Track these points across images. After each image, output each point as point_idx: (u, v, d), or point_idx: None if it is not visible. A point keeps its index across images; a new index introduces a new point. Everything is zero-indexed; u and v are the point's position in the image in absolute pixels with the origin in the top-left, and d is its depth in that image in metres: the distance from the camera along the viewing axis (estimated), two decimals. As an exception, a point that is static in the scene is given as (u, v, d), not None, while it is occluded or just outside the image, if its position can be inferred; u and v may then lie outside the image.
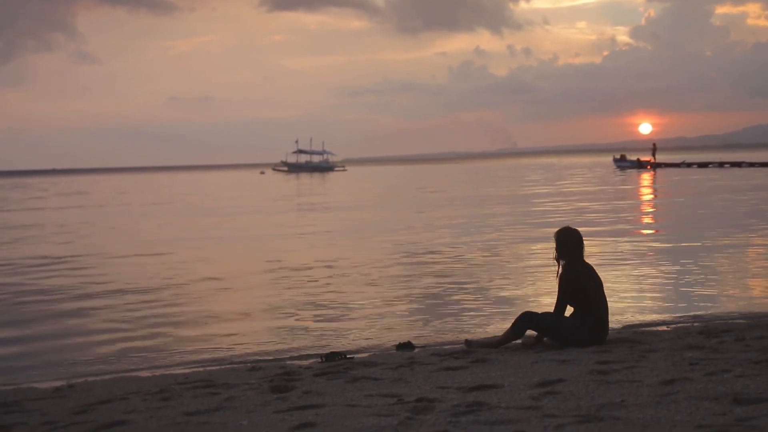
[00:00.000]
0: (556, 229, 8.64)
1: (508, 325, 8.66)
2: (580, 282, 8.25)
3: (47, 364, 9.27)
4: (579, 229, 8.55)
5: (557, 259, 8.45)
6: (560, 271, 8.37)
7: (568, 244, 8.40)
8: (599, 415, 5.37)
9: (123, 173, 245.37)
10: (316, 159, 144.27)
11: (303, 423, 5.64)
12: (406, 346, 9.16)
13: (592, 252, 17.33)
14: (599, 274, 8.40)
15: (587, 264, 8.45)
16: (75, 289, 14.90)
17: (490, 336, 9.17)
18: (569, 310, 8.37)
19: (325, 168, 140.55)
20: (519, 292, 12.69)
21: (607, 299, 8.38)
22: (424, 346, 9.22)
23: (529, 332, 8.45)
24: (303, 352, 9.31)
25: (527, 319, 8.38)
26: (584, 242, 8.46)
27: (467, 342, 8.74)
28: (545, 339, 8.45)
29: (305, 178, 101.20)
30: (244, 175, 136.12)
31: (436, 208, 35.42)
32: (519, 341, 8.47)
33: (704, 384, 6.11)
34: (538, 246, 18.60)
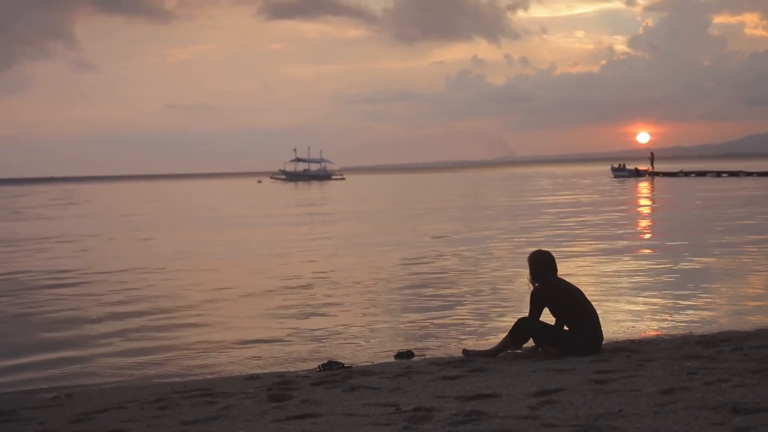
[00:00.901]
0: (541, 249, 8.82)
1: (504, 335, 8.68)
2: (551, 298, 8.40)
3: (45, 373, 9.23)
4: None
5: (532, 281, 8.60)
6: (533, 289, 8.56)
7: (541, 263, 8.58)
8: (597, 425, 5.36)
9: (121, 181, 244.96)
10: (314, 167, 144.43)
11: (301, 432, 5.63)
12: (405, 355, 9.16)
13: (592, 263, 17.33)
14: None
15: (560, 280, 8.60)
16: (73, 299, 14.88)
17: (487, 345, 9.16)
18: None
19: (323, 176, 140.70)
20: (518, 303, 12.67)
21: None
22: (422, 356, 9.22)
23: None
24: (301, 362, 9.28)
25: (524, 324, 8.42)
26: (556, 262, 8.65)
27: (465, 351, 8.75)
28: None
29: (303, 187, 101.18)
30: (242, 184, 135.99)
31: (442, 220, 35.44)
32: (519, 350, 8.55)
33: (702, 393, 6.10)
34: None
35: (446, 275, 16.21)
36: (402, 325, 11.23)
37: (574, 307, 8.36)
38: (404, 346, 9.61)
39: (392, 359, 9.09)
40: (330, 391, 7.17)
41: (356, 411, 6.23)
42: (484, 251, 20.63)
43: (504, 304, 12.62)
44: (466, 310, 12.19)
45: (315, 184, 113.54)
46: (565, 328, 8.41)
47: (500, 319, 11.31)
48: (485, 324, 11.10)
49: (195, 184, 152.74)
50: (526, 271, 8.69)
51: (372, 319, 11.72)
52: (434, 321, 11.45)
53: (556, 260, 8.70)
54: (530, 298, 8.49)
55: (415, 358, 9.03)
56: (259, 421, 6.10)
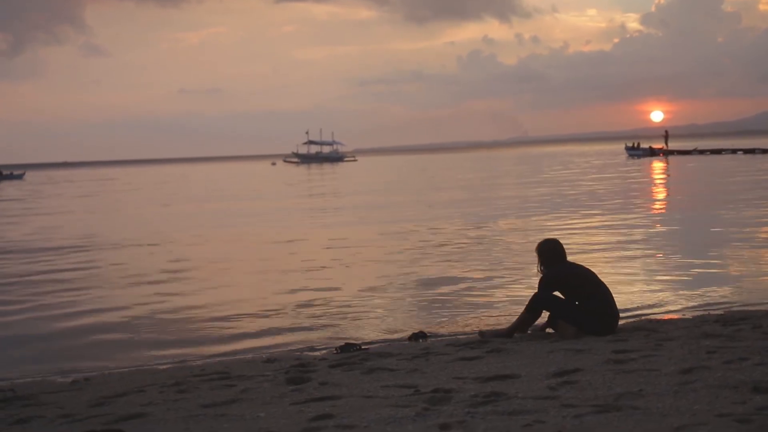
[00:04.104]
0: (548, 238, 8.85)
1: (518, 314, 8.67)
2: (561, 281, 8.37)
3: (63, 357, 9.29)
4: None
5: (541, 270, 8.58)
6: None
7: (550, 252, 8.56)
8: (617, 405, 5.34)
9: (136, 165, 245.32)
10: (326, 150, 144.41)
11: (320, 414, 5.63)
12: (418, 336, 9.15)
13: (609, 242, 17.29)
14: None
15: (570, 263, 8.58)
16: (90, 281, 14.94)
17: (502, 325, 9.15)
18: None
19: (335, 158, 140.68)
20: (532, 281, 12.63)
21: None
22: (437, 335, 9.23)
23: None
24: (318, 344, 9.29)
25: (540, 298, 8.38)
26: (563, 248, 8.61)
27: (481, 333, 8.73)
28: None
29: (316, 169, 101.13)
30: (257, 167, 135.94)
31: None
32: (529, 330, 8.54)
33: (722, 372, 6.08)
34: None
35: (459, 256, 16.18)
36: (415, 306, 11.22)
37: (586, 289, 8.33)
38: (418, 327, 9.60)
39: (406, 341, 9.07)
40: (348, 373, 7.18)
41: (375, 393, 6.23)
42: (497, 232, 20.59)
43: (517, 283, 12.60)
44: (479, 290, 12.17)
45: (327, 167, 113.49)
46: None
47: (513, 297, 11.28)
48: (498, 303, 11.09)
49: (212, 168, 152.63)
50: (536, 262, 8.66)
51: (385, 301, 11.72)
52: (450, 302, 11.43)
53: (568, 242, 8.67)
54: (539, 283, 8.47)
55: (432, 339, 9.01)
56: (277, 404, 6.11)
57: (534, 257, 8.70)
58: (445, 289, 12.45)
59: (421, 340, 9.03)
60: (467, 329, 9.53)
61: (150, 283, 14.44)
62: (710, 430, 4.69)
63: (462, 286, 12.72)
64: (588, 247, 16.26)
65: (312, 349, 9.04)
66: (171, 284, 14.20)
